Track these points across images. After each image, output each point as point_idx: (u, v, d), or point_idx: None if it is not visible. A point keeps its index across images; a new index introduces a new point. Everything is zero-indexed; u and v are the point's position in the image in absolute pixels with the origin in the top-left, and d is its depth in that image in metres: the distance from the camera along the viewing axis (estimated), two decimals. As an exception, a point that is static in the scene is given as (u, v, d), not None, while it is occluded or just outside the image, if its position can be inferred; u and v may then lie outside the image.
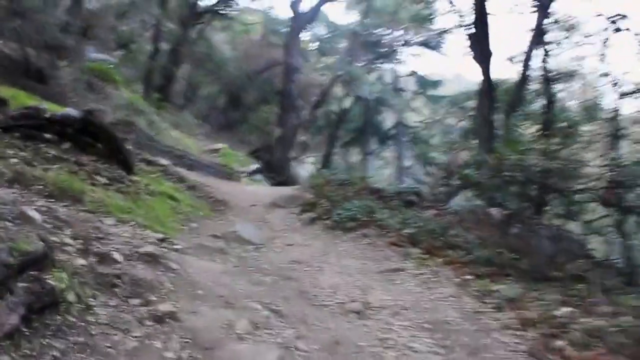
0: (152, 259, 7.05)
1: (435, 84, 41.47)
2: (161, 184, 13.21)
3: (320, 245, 11.24)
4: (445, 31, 32.47)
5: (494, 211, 12.30)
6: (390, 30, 39.25)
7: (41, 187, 8.68)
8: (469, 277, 8.81)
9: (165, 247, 8.13)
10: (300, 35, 37.30)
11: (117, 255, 6.72)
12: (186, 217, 11.50)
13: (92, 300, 5.43)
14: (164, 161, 18.22)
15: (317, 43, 43.89)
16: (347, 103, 42.64)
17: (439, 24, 33.66)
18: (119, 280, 6.07)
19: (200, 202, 13.73)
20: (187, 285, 6.65)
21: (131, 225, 8.89)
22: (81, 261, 6.08)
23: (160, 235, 8.75)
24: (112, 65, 28.30)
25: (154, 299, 5.93)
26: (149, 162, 15.00)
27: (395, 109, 40.24)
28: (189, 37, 37.69)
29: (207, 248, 9.27)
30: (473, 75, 38.25)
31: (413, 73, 42.18)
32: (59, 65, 23.31)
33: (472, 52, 17.43)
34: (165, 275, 6.69)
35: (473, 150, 21.64)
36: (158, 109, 29.16)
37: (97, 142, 12.06)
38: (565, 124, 18.03)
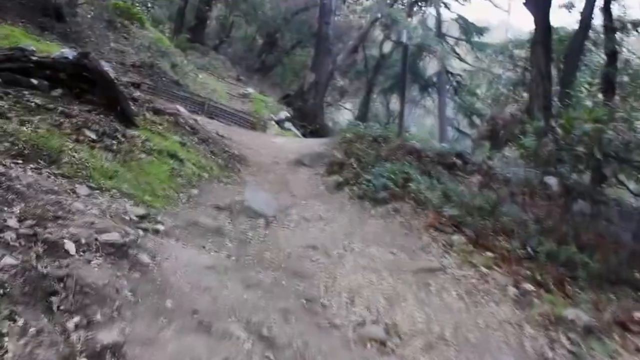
0: (115, 251, 5.46)
1: (481, 30, 39.01)
2: (166, 138, 11.55)
3: (345, 221, 9.52)
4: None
5: (552, 181, 10.42)
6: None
7: (9, 144, 7.21)
8: (528, 286, 6.85)
9: (142, 228, 6.53)
10: (338, -26, 34.90)
11: (69, 245, 5.20)
12: (187, 181, 9.82)
13: (6, 322, 3.85)
14: (180, 109, 16.68)
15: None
16: (387, 48, 40.62)
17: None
18: (60, 286, 4.50)
19: (210, 160, 12.04)
20: (154, 293, 5.02)
21: (110, 196, 7.37)
22: (11, 259, 4.49)
23: (142, 211, 7.17)
24: (138, 4, 26.62)
25: (99, 319, 4.33)
26: (158, 112, 13.31)
27: (437, 56, 37.88)
28: None
29: (200, 227, 7.57)
30: (522, 23, 36.22)
31: (457, 18, 39.73)
32: (78, 3, 21.72)
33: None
34: (126, 277, 5.07)
35: (523, 104, 19.79)
36: (185, 50, 27.44)
37: (93, 89, 10.50)
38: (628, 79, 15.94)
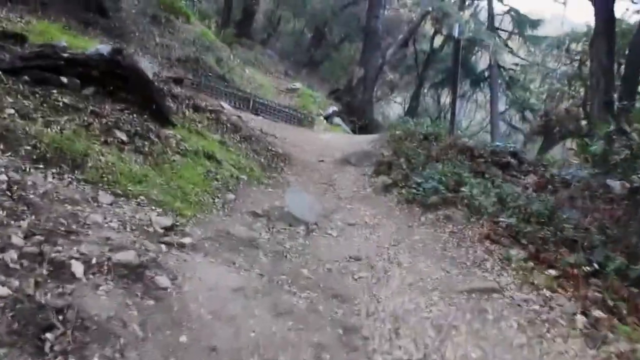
0: (128, 273, 4.83)
1: (534, 23, 37.58)
2: (205, 137, 10.98)
3: (392, 228, 8.77)
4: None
5: (615, 184, 9.49)
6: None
7: (30, 147, 6.67)
8: (599, 313, 5.83)
9: (166, 242, 5.90)
10: (387, -34, 33.99)
11: (77, 267, 4.62)
12: (224, 184, 9.17)
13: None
14: (224, 105, 16.16)
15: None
16: (438, 42, 39.96)
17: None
18: (58, 319, 3.91)
19: (251, 160, 11.44)
20: (168, 325, 4.35)
21: (137, 203, 6.83)
22: (2, 290, 3.93)
23: (169, 221, 6.56)
24: None
25: (99, 364, 3.70)
26: (198, 109, 12.77)
27: (489, 50, 36.67)
28: None
29: (233, 239, 6.88)
30: (578, 15, 35.05)
31: (510, 10, 38.41)
32: (121, -3, 21.36)
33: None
34: (137, 306, 4.43)
35: (579, 100, 18.82)
36: (232, 45, 26.93)
37: (128, 87, 9.97)
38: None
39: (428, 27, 38.67)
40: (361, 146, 14.71)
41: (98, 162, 7.23)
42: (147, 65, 11.88)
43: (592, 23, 14.60)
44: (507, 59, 38.79)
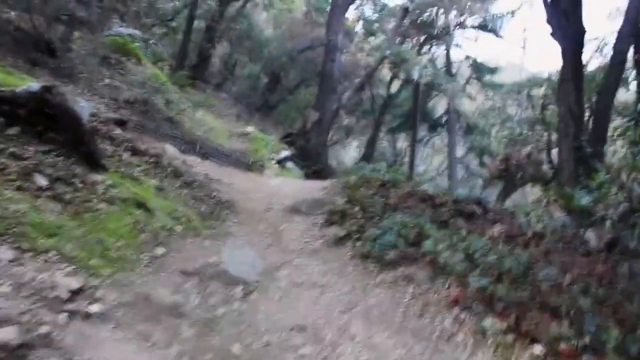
0: (5, 357, 3.80)
1: (493, 70, 37.79)
2: (140, 183, 10.00)
3: (345, 288, 7.75)
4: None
5: (590, 235, 8.72)
6: (443, 10, 35.22)
7: None
8: None
9: (69, 310, 4.92)
10: (344, 13, 33.22)
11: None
12: (154, 236, 8.16)
13: None
14: (168, 148, 15.19)
15: (364, 22, 40.00)
16: (395, 87, 39.54)
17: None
18: None
19: (190, 209, 10.42)
20: None
21: (45, 260, 5.83)
22: None
23: (77, 282, 5.55)
24: (137, 41, 25.31)
25: None
26: (137, 152, 11.77)
27: (447, 95, 36.38)
28: (227, 14, 35.12)
29: (153, 305, 5.88)
30: (531, 64, 35.44)
31: (468, 58, 38.43)
32: (72, 38, 20.41)
33: (551, 26, 13.72)
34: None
35: (541, 144, 18.40)
36: (184, 87, 26.03)
37: (57, 127, 9.03)
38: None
39: (385, 72, 38.41)
40: (313, 193, 13.82)
41: (5, 212, 6.21)
42: (84, 105, 10.83)
43: (551, 70, 14.00)
44: (465, 105, 38.58)
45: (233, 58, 39.92)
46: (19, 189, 6.96)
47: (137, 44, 24.80)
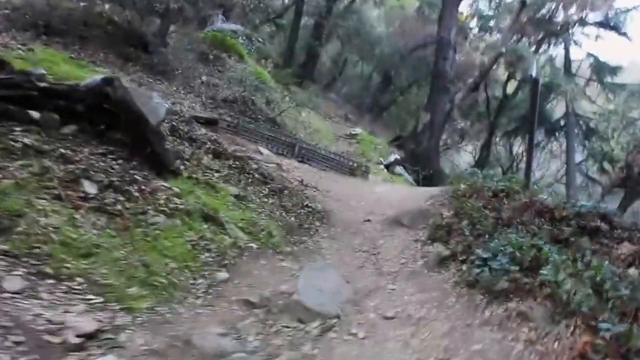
0: None
1: (615, 70, 34.66)
2: (216, 191, 8.89)
3: (443, 326, 6.14)
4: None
5: None
6: (562, 5, 32.85)
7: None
8: None
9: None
10: (457, 7, 31.77)
11: None
12: (218, 256, 6.89)
13: None
14: (263, 150, 14.15)
15: (479, 18, 38.11)
16: (511, 87, 37.22)
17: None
18: None
19: (273, 220, 9.20)
20: None
21: (66, 289, 4.78)
22: None
23: (93, 323, 4.36)
24: (240, 37, 24.66)
25: None
26: (220, 155, 10.72)
27: (566, 96, 33.87)
28: (336, 10, 34.35)
29: (193, 352, 4.55)
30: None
31: (589, 56, 35.46)
32: (167, 33, 19.74)
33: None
34: None
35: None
36: (289, 86, 25.03)
37: (118, 125, 8.01)
38: None
39: (501, 72, 36.43)
40: (418, 202, 12.35)
41: (34, 226, 5.13)
42: (159, 102, 9.85)
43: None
44: (586, 107, 36.16)
45: (343, 57, 38.79)
46: (57, 197, 5.86)
47: (240, 40, 24.21)
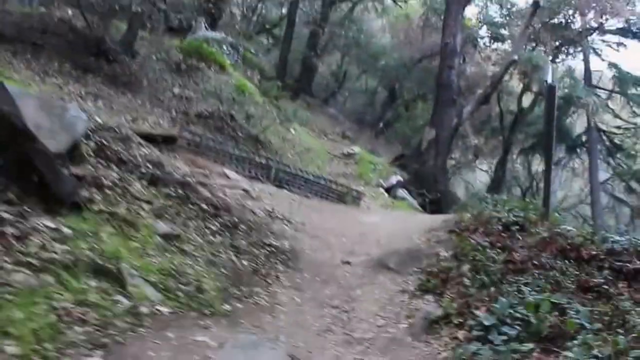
0: None
1: (639, 80, 32.34)
2: (134, 230, 6.62)
3: None
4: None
5: None
6: (579, 11, 30.50)
7: None
8: None
9: None
10: (462, 11, 29.30)
11: None
12: (96, 331, 4.58)
13: None
14: (229, 174, 12.04)
15: (488, 26, 35.58)
16: (527, 101, 35.00)
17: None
18: None
19: (213, 268, 6.93)
20: None
21: None
22: None
23: None
24: (224, 46, 22.93)
25: None
26: (157, 181, 8.44)
27: (588, 110, 31.53)
28: (335, 18, 32.91)
29: None
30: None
31: (611, 67, 33.03)
32: (134, 40, 17.89)
33: None
34: None
35: None
36: (278, 100, 22.94)
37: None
38: None
39: (515, 83, 34.26)
40: (412, 238, 10.17)
41: None
42: (74, 115, 7.79)
43: None
44: (609, 121, 34.13)
45: (343, 69, 36.79)
46: None
47: (225, 50, 22.52)
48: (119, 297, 5.20)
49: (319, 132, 25.92)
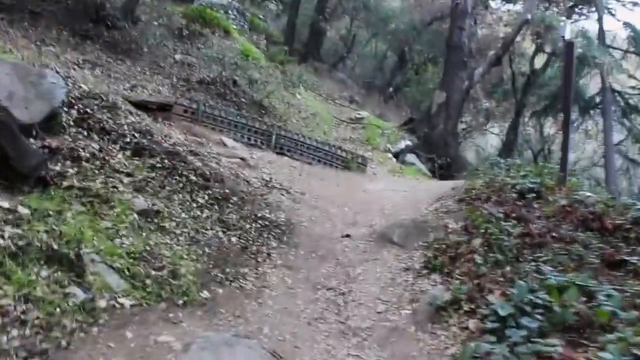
0: None
1: (654, 40, 31.58)
2: (108, 205, 6.00)
3: None
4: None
5: None
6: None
7: None
8: None
9: None
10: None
11: None
12: (37, 333, 3.93)
13: None
14: (226, 141, 11.41)
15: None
16: (539, 62, 33.81)
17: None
18: None
19: (193, 249, 6.29)
20: None
21: None
22: None
23: None
24: (230, 11, 22.46)
25: None
26: (143, 151, 7.83)
27: (602, 70, 30.48)
28: None
29: None
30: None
31: (625, 26, 31.97)
32: (136, 6, 17.14)
33: None
34: None
35: None
36: (284, 65, 22.06)
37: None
38: None
39: (527, 45, 33.01)
40: (419, 208, 9.45)
41: None
42: (53, 82, 7.21)
43: None
44: (623, 82, 32.91)
45: (351, 33, 35.84)
46: None
47: (230, 15, 21.91)
48: (73, 289, 4.59)
49: (326, 97, 25.11)
